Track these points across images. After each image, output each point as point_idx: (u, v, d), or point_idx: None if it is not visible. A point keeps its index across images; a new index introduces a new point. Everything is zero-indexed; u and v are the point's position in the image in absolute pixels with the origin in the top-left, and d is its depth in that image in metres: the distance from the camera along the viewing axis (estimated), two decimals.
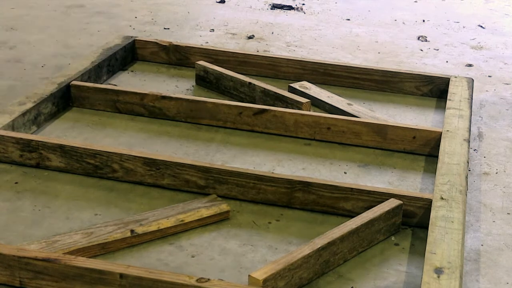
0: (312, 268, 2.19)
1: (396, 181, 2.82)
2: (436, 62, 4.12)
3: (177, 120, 3.20)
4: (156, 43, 3.85)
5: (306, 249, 2.18)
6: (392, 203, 2.46)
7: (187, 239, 2.39)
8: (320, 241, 2.23)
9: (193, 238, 2.40)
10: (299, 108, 3.20)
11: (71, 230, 2.38)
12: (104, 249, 2.30)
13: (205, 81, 3.58)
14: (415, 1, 5.43)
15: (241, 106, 3.16)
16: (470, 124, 3.12)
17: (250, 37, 4.35)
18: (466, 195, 2.58)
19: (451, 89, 3.42)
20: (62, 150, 2.73)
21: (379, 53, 4.24)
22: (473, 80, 3.57)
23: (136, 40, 3.87)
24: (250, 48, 4.18)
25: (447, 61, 4.14)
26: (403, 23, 4.86)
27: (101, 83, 3.49)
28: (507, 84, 3.86)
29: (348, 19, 4.88)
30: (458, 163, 2.72)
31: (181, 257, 2.30)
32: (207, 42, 4.22)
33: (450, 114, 3.15)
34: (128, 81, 3.62)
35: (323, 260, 2.22)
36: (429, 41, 4.48)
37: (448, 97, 3.33)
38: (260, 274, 2.06)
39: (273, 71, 3.73)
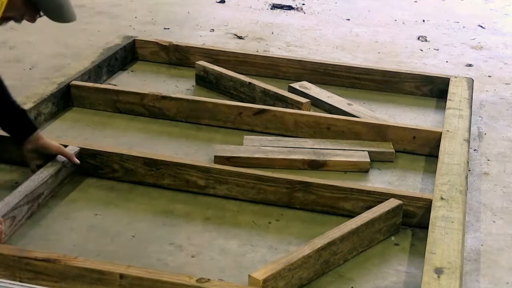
0: (312, 268, 2.19)
1: (396, 181, 2.81)
2: (436, 62, 4.12)
3: (177, 120, 3.20)
4: (156, 43, 3.85)
5: (306, 249, 2.18)
6: (392, 203, 2.46)
7: (187, 239, 2.39)
8: (320, 241, 2.23)
9: (193, 238, 2.40)
10: (299, 108, 3.20)
11: (72, 229, 2.38)
12: None
13: (205, 81, 3.58)
14: (415, 1, 5.43)
15: (241, 106, 3.16)
16: (470, 124, 3.12)
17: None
18: (466, 195, 2.58)
19: (451, 89, 3.41)
20: None
21: (379, 53, 4.24)
22: (473, 80, 3.57)
23: (136, 40, 3.87)
24: (250, 48, 4.17)
25: (447, 61, 4.14)
26: (403, 23, 4.86)
27: (101, 83, 3.49)
28: (507, 84, 3.86)
29: (348, 19, 4.89)
30: (458, 163, 2.72)
31: (181, 257, 2.30)
32: (206, 43, 4.22)
33: (450, 114, 3.14)
34: (128, 81, 3.62)
35: (323, 260, 2.22)
36: (429, 41, 4.48)
37: (448, 97, 3.33)
38: (260, 274, 2.06)
39: (273, 71, 3.73)
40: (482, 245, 2.47)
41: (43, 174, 2.52)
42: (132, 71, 3.75)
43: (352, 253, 2.33)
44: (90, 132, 3.08)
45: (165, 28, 4.46)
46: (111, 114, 3.24)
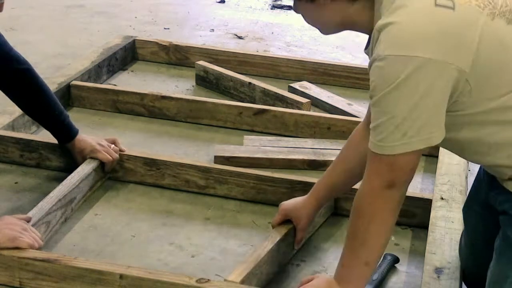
0: (275, 262, 2.17)
1: None
2: None
3: (177, 120, 3.20)
4: (156, 43, 3.85)
5: (268, 244, 2.15)
6: None
7: (187, 239, 2.39)
8: (277, 234, 2.20)
9: (193, 238, 2.40)
10: (299, 108, 3.20)
11: (72, 229, 2.38)
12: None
13: (205, 81, 3.58)
14: None
15: (241, 106, 3.17)
16: None
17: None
18: (466, 195, 2.58)
19: None
20: (62, 150, 2.72)
21: None
22: None
23: (136, 40, 3.87)
24: (250, 48, 4.17)
25: None
26: None
27: (101, 83, 3.49)
28: None
29: None
30: (458, 163, 2.72)
31: (181, 257, 2.30)
32: (206, 43, 4.22)
33: None
34: (128, 81, 3.62)
35: (283, 251, 2.21)
36: None
37: None
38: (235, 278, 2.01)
39: (273, 71, 3.73)
40: None
41: (74, 179, 2.50)
42: (132, 71, 3.75)
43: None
44: (90, 132, 3.07)
45: (165, 28, 4.46)
46: (111, 114, 3.24)
